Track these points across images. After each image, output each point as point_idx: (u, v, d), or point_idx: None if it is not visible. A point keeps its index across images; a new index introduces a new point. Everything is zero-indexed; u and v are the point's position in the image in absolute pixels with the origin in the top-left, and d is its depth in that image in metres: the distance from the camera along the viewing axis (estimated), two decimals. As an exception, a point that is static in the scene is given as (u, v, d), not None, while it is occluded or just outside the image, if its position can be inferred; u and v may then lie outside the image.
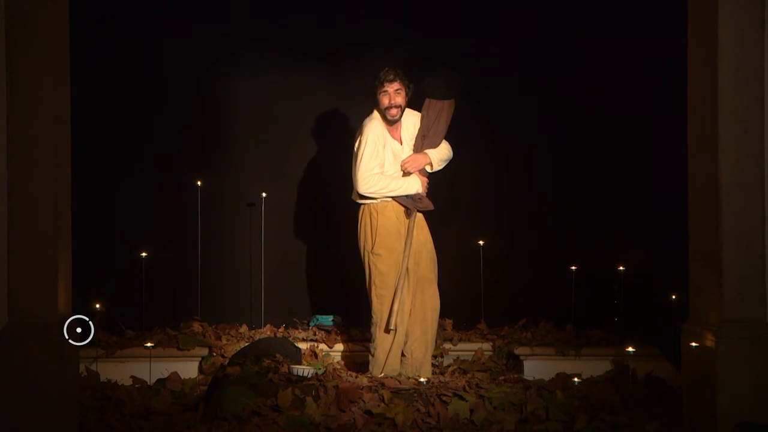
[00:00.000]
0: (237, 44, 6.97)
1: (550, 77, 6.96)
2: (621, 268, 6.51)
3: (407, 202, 5.94)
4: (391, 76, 5.89)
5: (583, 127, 6.94)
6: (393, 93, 5.91)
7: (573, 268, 6.66)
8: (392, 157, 5.95)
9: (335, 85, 7.05)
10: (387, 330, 5.87)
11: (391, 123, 5.95)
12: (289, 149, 7.10)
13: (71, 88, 4.95)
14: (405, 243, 5.90)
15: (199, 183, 6.82)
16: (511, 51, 7.01)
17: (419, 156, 5.97)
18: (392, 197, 5.92)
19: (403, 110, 5.97)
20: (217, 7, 6.98)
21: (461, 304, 6.76)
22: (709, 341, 4.78)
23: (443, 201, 6.49)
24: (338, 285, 7.04)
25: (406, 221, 5.94)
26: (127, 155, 6.85)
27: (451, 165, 6.15)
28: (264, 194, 6.91)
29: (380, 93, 5.92)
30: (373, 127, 5.93)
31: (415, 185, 5.95)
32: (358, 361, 6.36)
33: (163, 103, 6.91)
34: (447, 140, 6.07)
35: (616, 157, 6.88)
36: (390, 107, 5.91)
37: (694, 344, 4.92)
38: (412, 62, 6.39)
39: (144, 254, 6.41)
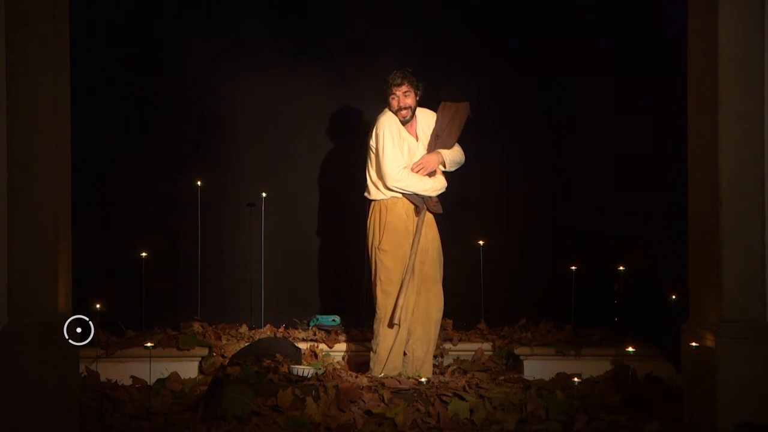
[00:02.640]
0: (237, 44, 6.97)
1: (550, 77, 6.96)
2: (621, 268, 6.51)
3: (418, 201, 5.97)
4: (399, 80, 5.94)
5: (584, 127, 6.94)
6: (401, 96, 5.96)
7: (573, 268, 6.65)
8: (407, 151, 5.99)
9: (336, 85, 7.05)
10: (391, 324, 5.88)
11: (404, 123, 5.99)
12: (289, 149, 7.10)
13: (71, 88, 4.95)
14: (413, 240, 5.93)
15: (199, 183, 6.82)
16: (511, 50, 7.01)
17: (433, 155, 6.02)
18: (413, 194, 5.94)
19: (414, 109, 6.01)
20: (217, 6, 6.97)
21: (461, 304, 6.76)
22: (709, 341, 4.78)
23: (443, 201, 6.49)
24: (338, 285, 7.03)
25: (415, 219, 5.97)
26: (127, 155, 6.85)
27: (451, 164, 6.15)
28: (264, 194, 6.91)
29: (390, 97, 5.96)
30: (388, 121, 5.97)
31: (443, 185, 6.02)
32: (358, 361, 6.36)
33: (163, 103, 6.91)
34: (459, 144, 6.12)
35: (617, 157, 6.88)
36: (400, 109, 5.96)
37: (694, 344, 4.92)
38: (412, 61, 6.38)
39: (144, 254, 6.40)
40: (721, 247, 4.75)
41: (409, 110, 5.98)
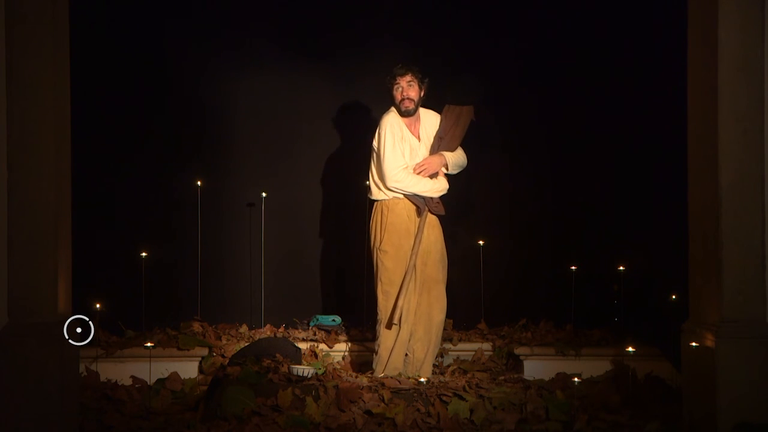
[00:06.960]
0: (237, 43, 6.97)
1: (551, 78, 6.96)
2: (621, 268, 6.51)
3: (420, 202, 5.96)
4: (403, 70, 5.96)
5: (584, 127, 6.94)
6: (405, 86, 5.95)
7: (573, 268, 6.65)
8: (408, 151, 5.99)
9: (336, 85, 7.04)
10: (389, 325, 5.88)
11: (406, 116, 5.98)
12: (289, 149, 7.09)
13: (71, 88, 4.95)
14: (414, 241, 5.92)
15: (199, 183, 6.82)
16: (512, 52, 7.00)
17: (435, 157, 6.01)
18: (414, 195, 5.93)
19: (418, 103, 6.01)
20: (217, 6, 6.97)
21: (461, 304, 6.76)
22: (709, 341, 4.78)
23: (445, 203, 6.49)
24: (338, 285, 7.03)
25: (417, 220, 5.96)
26: (127, 155, 6.85)
27: (450, 165, 6.15)
28: (264, 194, 6.91)
29: (394, 88, 5.96)
30: (390, 120, 5.97)
31: (444, 187, 6.01)
32: (358, 361, 6.36)
33: (163, 103, 6.91)
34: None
35: (617, 157, 6.88)
36: (403, 99, 5.95)
37: (694, 344, 4.92)
38: (415, 61, 6.37)
39: (144, 254, 6.41)
40: (721, 247, 4.75)
41: (412, 102, 5.97)
